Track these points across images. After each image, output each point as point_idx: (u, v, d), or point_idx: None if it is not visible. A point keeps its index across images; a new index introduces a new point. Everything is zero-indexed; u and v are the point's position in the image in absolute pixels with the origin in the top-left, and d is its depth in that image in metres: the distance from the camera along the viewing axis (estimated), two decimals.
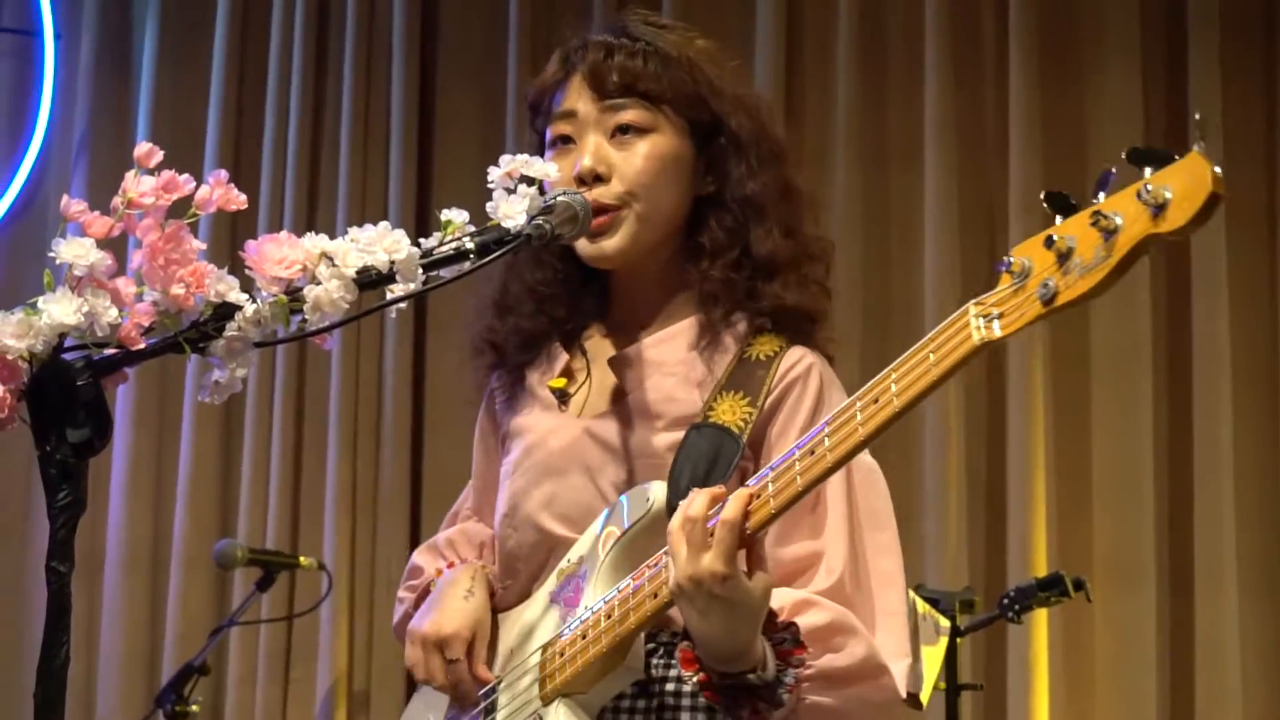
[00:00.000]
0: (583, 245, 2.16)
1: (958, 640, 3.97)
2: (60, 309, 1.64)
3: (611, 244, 2.16)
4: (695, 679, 1.96)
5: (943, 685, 3.94)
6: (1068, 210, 1.68)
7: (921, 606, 3.90)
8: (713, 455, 2.09)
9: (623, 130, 2.18)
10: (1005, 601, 4.03)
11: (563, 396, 2.24)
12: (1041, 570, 4.59)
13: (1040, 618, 4.66)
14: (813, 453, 1.85)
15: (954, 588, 4.37)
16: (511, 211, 1.87)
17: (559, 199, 1.96)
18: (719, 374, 2.16)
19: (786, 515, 1.91)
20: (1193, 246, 4.90)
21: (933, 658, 3.86)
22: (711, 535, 1.87)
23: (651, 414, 2.16)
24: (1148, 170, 1.61)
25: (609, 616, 2.02)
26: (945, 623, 3.93)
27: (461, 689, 2.17)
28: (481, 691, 2.17)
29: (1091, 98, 5.07)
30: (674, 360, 2.19)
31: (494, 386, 2.35)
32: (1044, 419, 4.85)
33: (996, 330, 1.69)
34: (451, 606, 2.19)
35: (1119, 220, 1.63)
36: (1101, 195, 1.66)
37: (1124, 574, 4.82)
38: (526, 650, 2.14)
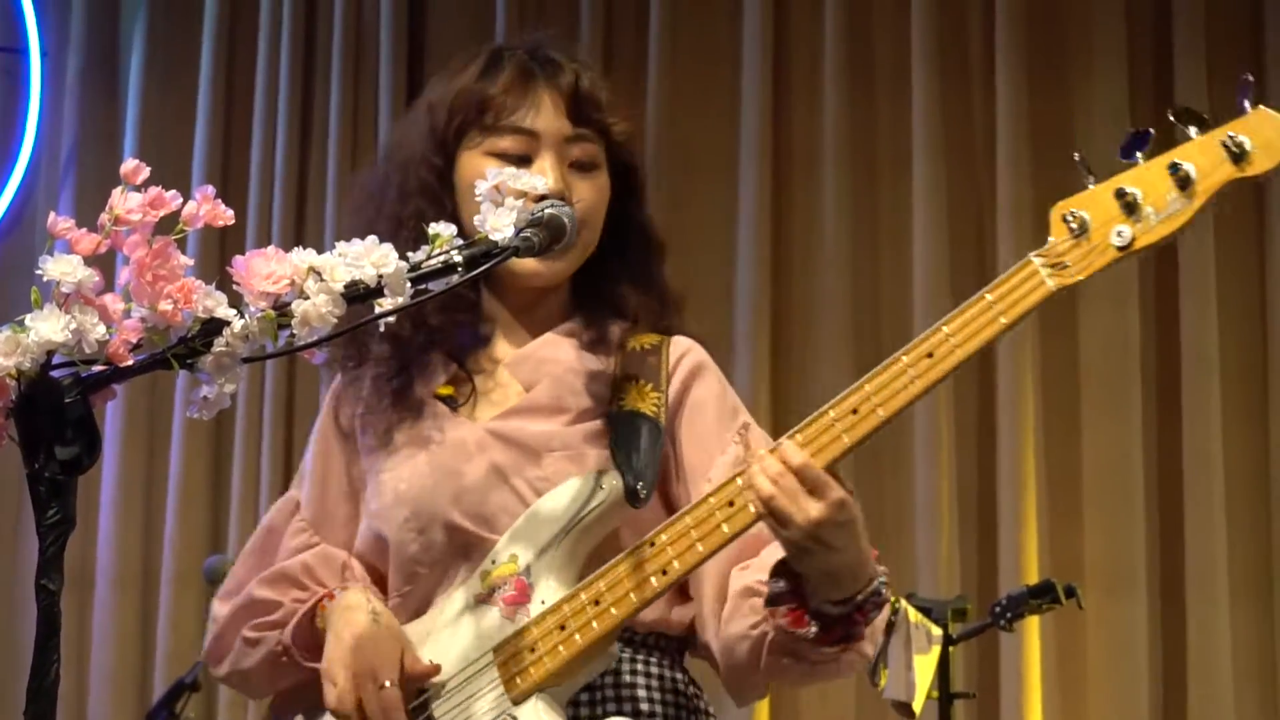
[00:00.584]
0: (529, 266, 2.13)
1: (950, 649, 3.97)
2: (48, 326, 1.63)
3: (560, 267, 2.17)
4: (813, 629, 1.97)
5: (935, 694, 3.94)
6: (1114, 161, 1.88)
7: (913, 615, 3.90)
8: (640, 436, 2.12)
9: (577, 165, 2.19)
10: (997, 609, 4.04)
11: (452, 403, 2.21)
12: (1033, 578, 4.59)
13: (1032, 625, 4.67)
14: (855, 411, 1.93)
15: (946, 596, 4.38)
16: (499, 224, 1.87)
17: (547, 211, 1.96)
18: (611, 367, 2.19)
19: None
20: (1180, 254, 4.92)
21: (925, 666, 3.86)
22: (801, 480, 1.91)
23: (557, 408, 2.17)
24: (1193, 130, 1.86)
25: (596, 604, 2.02)
26: (937, 631, 3.93)
27: (391, 716, 2.04)
28: (412, 707, 2.08)
29: (1079, 104, 5.08)
30: (568, 357, 2.21)
31: (345, 391, 2.28)
32: (1034, 426, 4.86)
33: (1071, 276, 1.87)
34: (367, 633, 2.07)
35: (1192, 169, 1.84)
36: (1138, 155, 1.87)
37: (1115, 581, 4.83)
38: (463, 657, 2.08)
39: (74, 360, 1.66)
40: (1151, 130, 1.90)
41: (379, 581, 2.21)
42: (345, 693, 2.05)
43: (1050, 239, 1.89)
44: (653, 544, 2.02)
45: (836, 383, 5.09)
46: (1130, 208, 1.86)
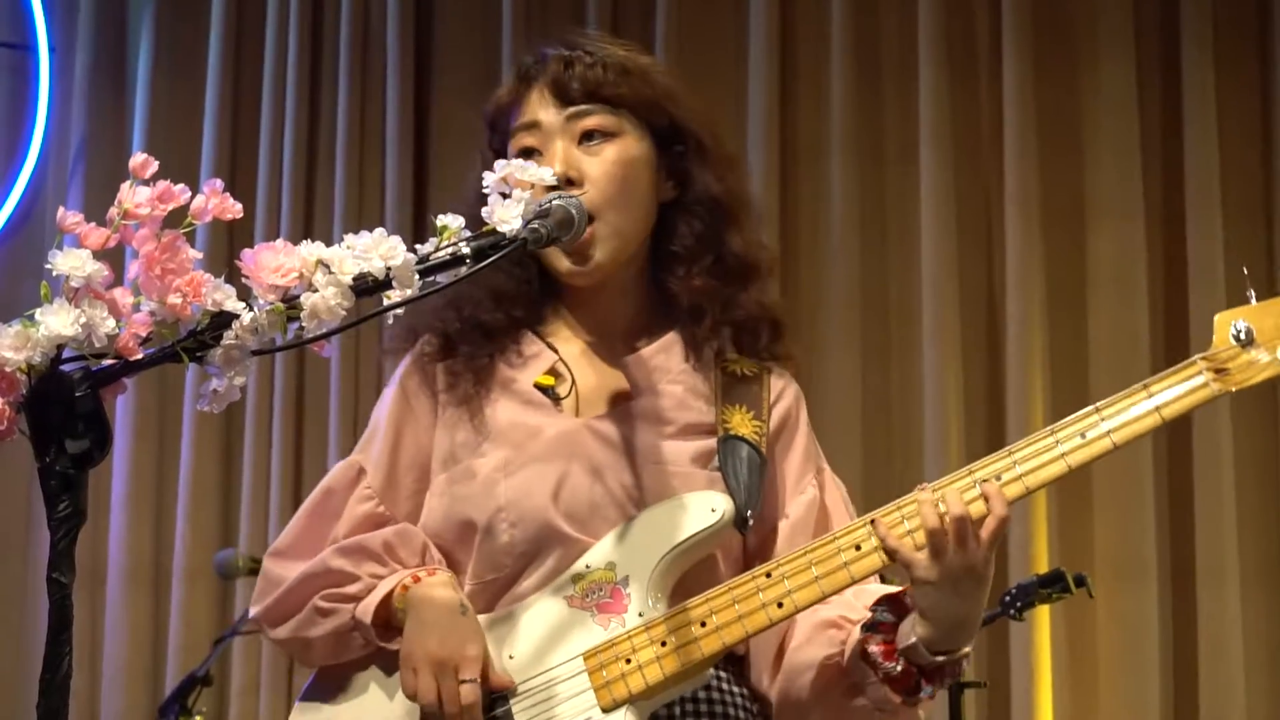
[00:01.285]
0: (563, 265, 2.16)
1: None
2: (58, 320, 1.64)
3: (593, 263, 2.17)
4: (898, 667, 2.03)
5: None
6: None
7: None
8: (745, 464, 2.13)
9: (589, 136, 2.20)
10: (1007, 599, 4.03)
11: (553, 395, 2.21)
12: (1043, 567, 4.59)
13: (1043, 614, 4.67)
14: (999, 478, 2.02)
15: None
16: (507, 216, 1.87)
17: (554, 203, 1.96)
18: (712, 387, 2.20)
19: None
20: (1189, 244, 4.91)
21: None
22: (975, 527, 1.97)
23: (662, 420, 2.17)
24: None
25: (703, 625, 2.04)
26: None
27: (470, 711, 2.05)
28: (492, 699, 2.09)
29: (1086, 95, 5.08)
30: (676, 369, 2.21)
31: (425, 364, 2.26)
32: (1043, 417, 4.85)
33: (1233, 384, 2.01)
34: (455, 624, 2.07)
35: None
36: None
37: (1126, 570, 4.82)
38: (549, 657, 2.09)
39: (84, 354, 1.67)
40: None
41: (450, 563, 2.19)
42: (427, 682, 2.05)
43: (1214, 344, 2.03)
44: (769, 575, 2.05)
45: (844, 373, 5.13)
46: None
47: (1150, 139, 5.06)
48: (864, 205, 5.14)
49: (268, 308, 1.70)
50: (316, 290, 1.71)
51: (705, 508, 2.09)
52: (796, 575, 2.04)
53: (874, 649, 2.04)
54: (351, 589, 2.16)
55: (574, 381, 2.22)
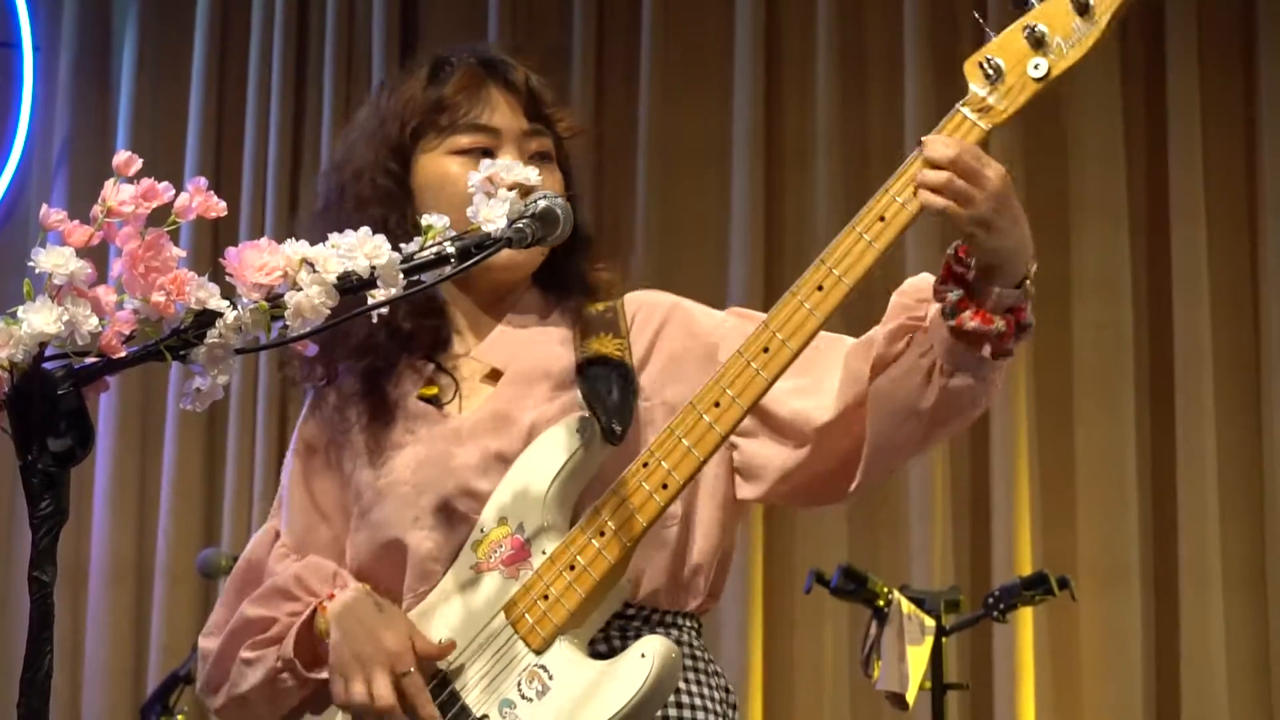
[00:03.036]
0: (506, 252, 2.14)
1: (943, 640, 3.97)
2: (40, 318, 1.63)
3: (535, 255, 2.21)
4: (1002, 324, 2.03)
5: (928, 685, 3.95)
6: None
7: (907, 606, 3.91)
8: (610, 379, 2.15)
9: (538, 157, 2.23)
10: (990, 601, 4.04)
11: (437, 403, 2.22)
12: (1026, 569, 4.60)
13: (1025, 617, 4.67)
14: (821, 288, 2.12)
15: (939, 587, 4.38)
16: (492, 215, 1.87)
17: (541, 202, 1.96)
18: (572, 333, 2.23)
19: None
20: (1173, 248, 4.92)
21: (918, 657, 3.87)
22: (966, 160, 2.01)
23: (536, 380, 2.20)
24: None
25: (601, 534, 2.05)
26: (931, 622, 3.93)
27: (414, 700, 2.05)
28: (432, 687, 2.09)
29: (1070, 93, 5.08)
30: (531, 329, 2.25)
31: (313, 415, 2.28)
32: (1027, 420, 4.86)
33: (999, 115, 2.08)
34: (376, 622, 2.08)
35: None
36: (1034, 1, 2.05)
37: (1109, 574, 4.83)
38: (476, 626, 2.10)
39: (67, 352, 1.66)
40: None
41: (384, 591, 2.19)
42: (360, 688, 2.05)
43: (971, 89, 2.07)
44: (646, 464, 2.06)
45: None
46: (1039, 42, 2.05)
47: (1134, 143, 5.07)
48: (849, 208, 5.07)
49: (252, 306, 1.70)
50: (301, 289, 1.71)
51: (570, 432, 2.11)
52: (671, 452, 2.05)
53: (972, 323, 2.04)
54: (272, 632, 2.17)
55: (455, 382, 2.23)
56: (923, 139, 2.03)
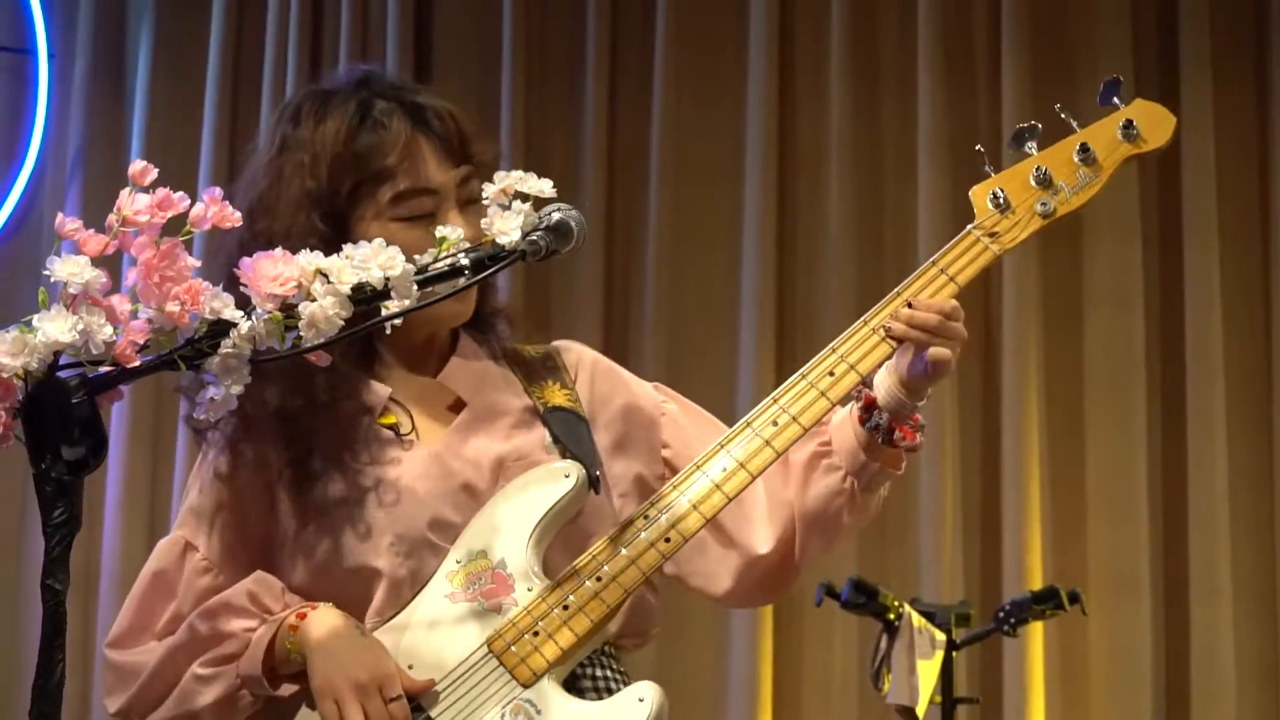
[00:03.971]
0: (448, 305, 2.11)
1: (953, 654, 3.97)
2: (55, 327, 1.64)
3: (469, 306, 2.24)
4: (920, 437, 2.23)
5: (939, 699, 3.94)
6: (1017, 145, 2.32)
7: (917, 620, 3.90)
8: (575, 429, 2.23)
9: (470, 203, 2.18)
10: (1000, 615, 4.04)
11: (397, 431, 2.22)
12: (1037, 583, 4.59)
13: (1036, 631, 4.67)
14: (832, 374, 2.18)
15: (949, 601, 4.38)
16: (506, 228, 1.87)
17: (555, 215, 1.96)
18: (513, 374, 2.29)
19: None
20: (1185, 257, 4.92)
21: (928, 671, 3.86)
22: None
23: (496, 415, 2.23)
24: (1030, 145, 2.29)
25: (598, 579, 2.10)
26: (941, 636, 3.93)
27: None
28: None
29: (1084, 104, 5.06)
30: (482, 368, 2.27)
31: (247, 441, 2.20)
32: (1038, 431, 4.85)
33: (1005, 244, 2.22)
34: (363, 646, 2.08)
35: (1095, 151, 2.29)
36: (1028, 145, 2.30)
37: (1119, 587, 4.82)
38: (450, 655, 2.09)
39: (81, 361, 1.67)
40: (1039, 125, 2.33)
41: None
42: (353, 709, 2.04)
43: (977, 217, 2.23)
44: (646, 516, 2.14)
45: None
46: (1045, 183, 2.25)
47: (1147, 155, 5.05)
48: (862, 214, 5.14)
49: (265, 316, 1.70)
50: (315, 300, 1.71)
51: (559, 476, 2.15)
52: (674, 509, 2.13)
53: (904, 444, 2.22)
54: (228, 648, 2.13)
55: (410, 413, 2.24)
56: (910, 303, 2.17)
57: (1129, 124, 2.33)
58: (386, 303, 1.77)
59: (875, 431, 2.20)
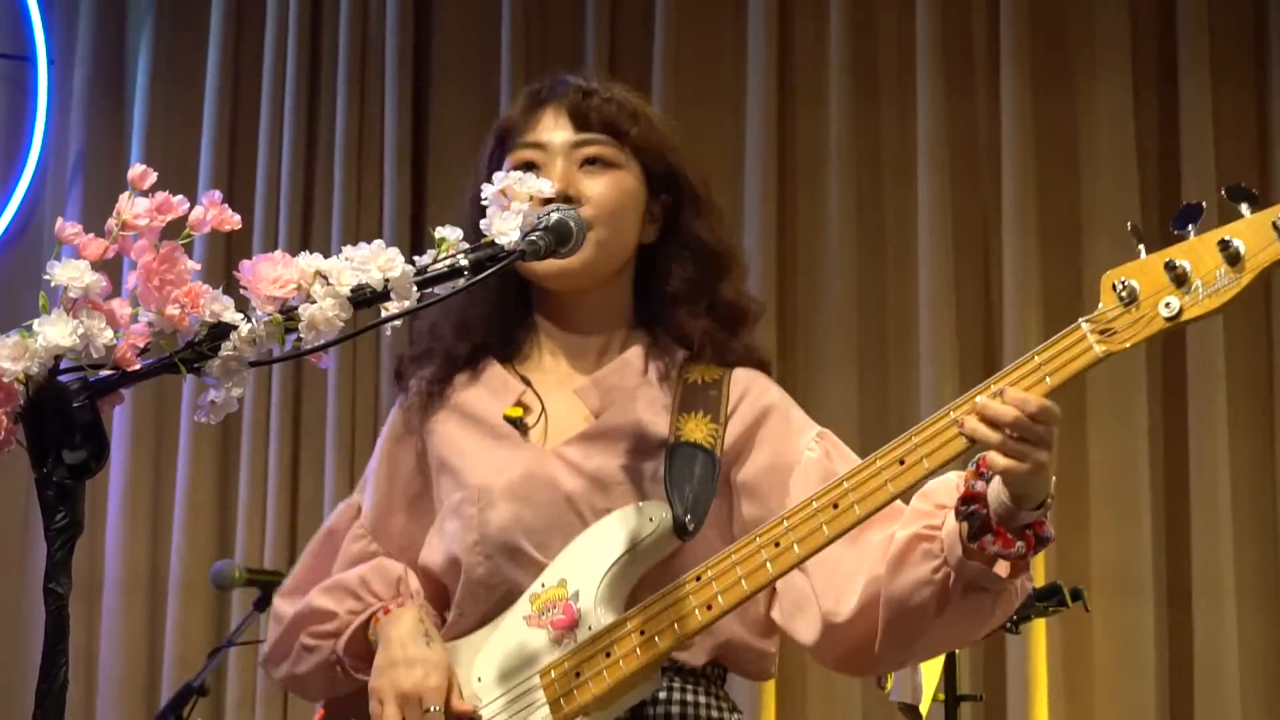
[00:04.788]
0: (539, 266, 2.16)
1: (956, 651, 3.97)
2: (56, 331, 1.64)
3: (578, 265, 2.19)
4: (1022, 545, 2.03)
5: (942, 696, 3.94)
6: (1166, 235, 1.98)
7: None
8: (694, 469, 2.17)
9: (591, 161, 2.28)
10: None
11: (521, 426, 2.25)
12: (1040, 581, 4.59)
13: (1039, 629, 4.67)
14: (902, 462, 2.04)
15: None
16: (505, 228, 1.87)
17: (553, 215, 1.97)
18: (672, 398, 2.25)
19: None
20: None
21: (931, 668, 3.86)
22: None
23: (624, 438, 2.23)
24: (1244, 206, 1.92)
25: (641, 633, 2.09)
26: None
27: None
28: None
29: (1083, 109, 5.08)
30: (633, 386, 2.26)
31: (414, 403, 2.32)
32: None
33: (1119, 343, 1.97)
34: (419, 656, 2.14)
35: (1242, 246, 1.92)
36: (1190, 227, 1.96)
37: (1122, 586, 4.82)
38: (511, 676, 2.14)
39: (82, 365, 1.67)
40: (1203, 204, 1.97)
41: (443, 595, 2.27)
42: (392, 713, 2.12)
43: (1100, 305, 1.98)
44: (699, 578, 2.10)
45: (841, 388, 5.13)
46: (1180, 280, 1.95)
47: (1147, 155, 5.06)
48: (861, 221, 5.14)
49: (266, 319, 1.70)
50: (314, 302, 1.71)
51: (644, 518, 2.14)
52: (723, 576, 2.08)
53: (994, 547, 2.03)
54: (330, 626, 2.27)
55: (543, 409, 2.26)
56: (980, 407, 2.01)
57: None
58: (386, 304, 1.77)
59: (969, 529, 2.05)
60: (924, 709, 3.83)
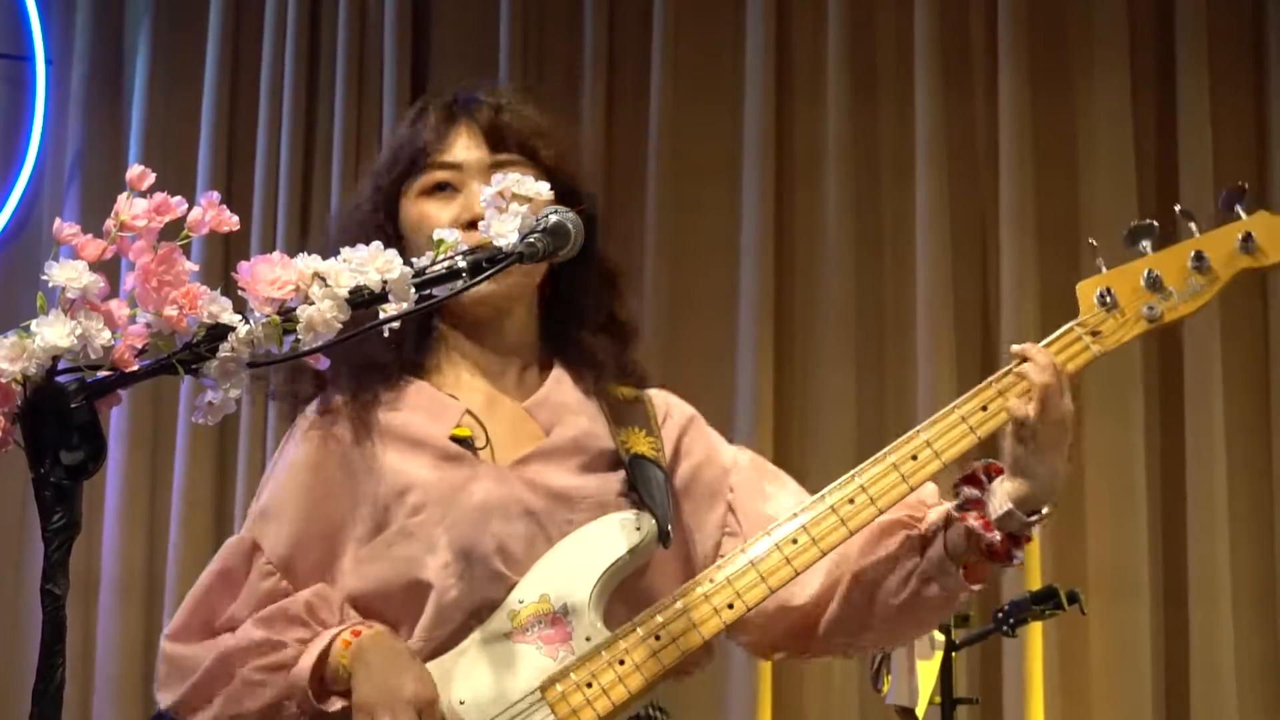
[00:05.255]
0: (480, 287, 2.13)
1: (953, 654, 3.97)
2: (53, 332, 1.64)
3: (503, 289, 2.22)
4: (997, 537, 2.14)
5: (938, 699, 3.94)
6: (1132, 244, 2.27)
7: None
8: (656, 480, 2.22)
9: None
10: (1000, 615, 4.03)
11: (469, 445, 2.23)
12: (1036, 583, 4.59)
13: (1035, 631, 4.67)
14: (915, 458, 2.17)
15: None
16: (503, 230, 1.87)
17: (552, 217, 1.97)
18: (604, 414, 2.28)
19: None
20: None
21: (928, 672, 3.86)
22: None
23: (580, 453, 2.24)
24: (1192, 225, 2.25)
25: (657, 638, 2.10)
26: (940, 636, 3.93)
27: None
28: None
29: (1081, 109, 5.09)
30: (573, 402, 2.28)
31: (327, 428, 2.25)
32: None
33: (1106, 344, 2.21)
34: (409, 668, 2.08)
35: (1211, 259, 2.21)
36: (1145, 243, 2.24)
37: (1118, 587, 4.82)
38: (501, 695, 2.10)
39: (79, 366, 1.67)
40: (1155, 223, 2.27)
41: (387, 625, 2.19)
42: (411, 718, 2.05)
43: (1082, 313, 2.21)
44: (713, 580, 2.14)
45: (839, 387, 5.13)
46: (1155, 286, 2.21)
47: (1145, 155, 5.07)
48: (859, 220, 5.14)
49: (264, 320, 1.70)
50: (312, 303, 1.71)
51: (630, 527, 2.16)
52: (743, 577, 2.14)
53: (974, 523, 2.13)
54: (280, 656, 2.14)
55: (486, 430, 2.24)
56: (1023, 350, 2.18)
57: (1248, 237, 2.24)
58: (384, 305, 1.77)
59: (960, 509, 2.17)
60: (920, 712, 3.83)
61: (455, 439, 2.23)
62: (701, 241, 5.24)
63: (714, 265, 5.19)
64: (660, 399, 2.36)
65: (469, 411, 2.25)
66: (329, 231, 2.38)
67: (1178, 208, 2.28)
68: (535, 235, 1.91)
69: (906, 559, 2.20)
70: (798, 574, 2.14)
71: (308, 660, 2.12)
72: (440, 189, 2.27)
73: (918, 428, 2.17)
